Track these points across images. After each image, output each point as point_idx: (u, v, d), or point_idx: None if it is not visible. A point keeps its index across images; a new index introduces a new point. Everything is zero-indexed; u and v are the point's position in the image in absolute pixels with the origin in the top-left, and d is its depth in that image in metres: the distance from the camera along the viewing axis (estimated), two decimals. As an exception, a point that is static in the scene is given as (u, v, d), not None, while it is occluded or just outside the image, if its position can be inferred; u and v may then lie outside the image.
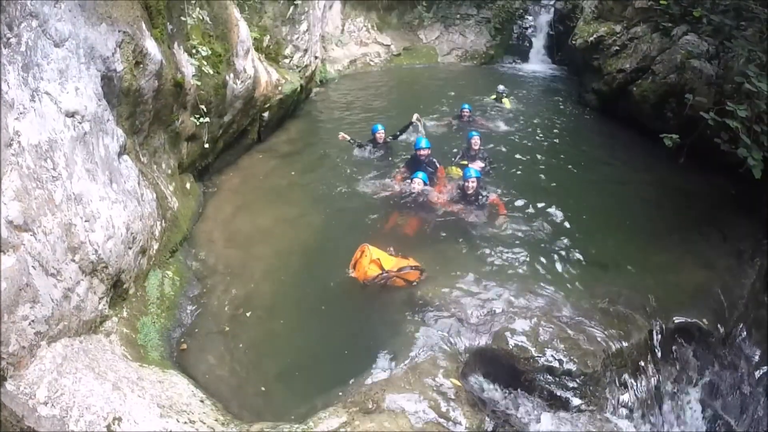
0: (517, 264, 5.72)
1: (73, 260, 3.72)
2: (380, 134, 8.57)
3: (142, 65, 4.95)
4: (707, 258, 5.98)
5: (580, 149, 9.33)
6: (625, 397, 4.45)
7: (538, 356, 4.36)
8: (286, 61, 10.33)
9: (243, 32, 7.33)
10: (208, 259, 5.88)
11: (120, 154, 4.69)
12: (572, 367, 4.31)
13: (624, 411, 4.40)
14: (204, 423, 3.62)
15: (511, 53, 17.80)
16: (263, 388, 4.36)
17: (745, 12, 6.48)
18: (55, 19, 3.79)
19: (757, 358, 5.08)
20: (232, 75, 7.06)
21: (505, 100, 11.69)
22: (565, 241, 6.19)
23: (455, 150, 8.64)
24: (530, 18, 17.75)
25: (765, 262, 5.86)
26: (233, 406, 4.06)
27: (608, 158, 9.01)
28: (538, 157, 8.80)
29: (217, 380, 4.37)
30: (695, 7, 6.89)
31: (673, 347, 4.97)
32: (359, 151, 8.68)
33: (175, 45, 5.83)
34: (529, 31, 17.82)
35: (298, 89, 10.09)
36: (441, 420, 3.80)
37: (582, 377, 4.29)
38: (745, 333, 5.20)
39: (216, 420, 3.72)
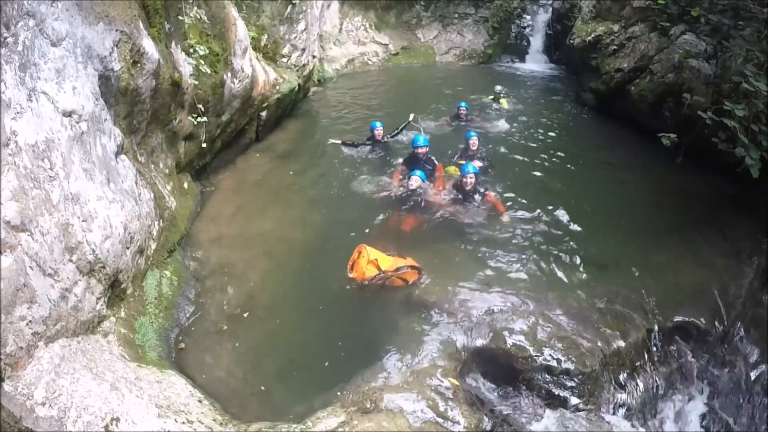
0: (515, 263, 5.72)
1: (71, 260, 3.71)
2: (378, 131, 8.58)
3: (139, 64, 4.93)
4: (705, 257, 5.99)
5: (577, 148, 9.33)
6: (623, 397, 4.46)
7: (536, 355, 4.37)
8: (284, 60, 10.31)
9: (241, 31, 7.32)
10: (206, 258, 5.87)
11: (117, 154, 4.67)
12: (570, 366, 4.32)
13: (622, 410, 4.41)
14: (202, 423, 3.62)
15: (509, 53, 17.80)
16: (263, 387, 4.36)
17: (743, 11, 6.50)
18: (52, 19, 3.78)
19: (755, 356, 5.09)
20: (229, 74, 7.05)
21: (502, 100, 11.69)
22: (563, 240, 6.20)
23: (449, 152, 8.61)
24: (528, 17, 17.74)
25: (763, 261, 5.88)
26: (231, 406, 4.06)
27: (606, 157, 9.01)
28: (536, 156, 8.80)
29: (215, 380, 4.37)
30: (693, 7, 6.90)
31: (671, 346, 4.99)
32: (357, 150, 8.68)
33: (173, 44, 5.82)
34: (527, 30, 17.80)
35: (296, 88, 10.08)
36: (439, 419, 3.80)
37: (580, 376, 4.30)
38: (743, 332, 5.21)
39: (214, 420, 3.72)
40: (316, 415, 3.79)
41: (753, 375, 4.98)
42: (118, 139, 4.66)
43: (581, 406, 4.22)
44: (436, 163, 7.67)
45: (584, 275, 5.57)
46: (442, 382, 4.12)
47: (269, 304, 5.31)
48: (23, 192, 3.30)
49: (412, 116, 9.24)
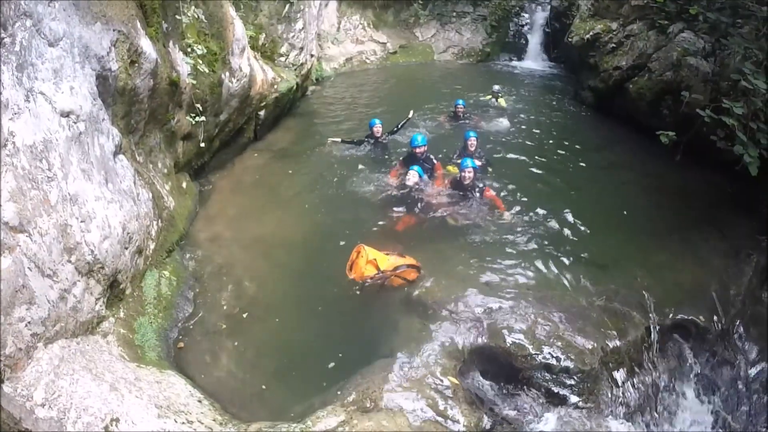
0: (514, 262, 5.71)
1: (69, 261, 3.70)
2: (377, 128, 8.57)
3: (137, 64, 4.92)
4: (704, 255, 5.98)
5: (576, 147, 9.32)
6: (622, 394, 4.46)
7: (535, 354, 4.37)
8: (282, 59, 10.31)
9: (238, 30, 7.31)
10: (205, 258, 5.86)
11: (115, 154, 4.67)
12: (570, 364, 4.32)
13: (621, 408, 4.41)
14: (202, 423, 3.62)
15: (507, 51, 17.80)
16: (263, 387, 4.36)
17: (741, 9, 6.49)
18: (49, 19, 3.77)
19: (754, 354, 5.09)
20: (227, 73, 7.04)
21: (501, 100, 11.68)
22: (562, 238, 6.19)
23: (445, 151, 8.59)
24: (526, 15, 17.75)
25: (762, 259, 5.88)
26: (231, 406, 4.06)
27: (604, 156, 9.00)
28: (535, 155, 8.79)
29: (214, 380, 4.37)
30: (691, 5, 6.90)
31: (670, 344, 4.99)
32: (356, 149, 8.67)
33: (171, 44, 5.81)
34: (526, 28, 17.82)
35: (294, 87, 10.07)
36: (439, 418, 3.80)
37: (579, 374, 4.30)
38: (742, 329, 5.21)
39: (214, 420, 3.72)
40: (316, 415, 3.78)
41: (752, 372, 4.99)
42: (116, 139, 4.65)
43: (581, 404, 4.23)
44: (435, 162, 7.66)
45: (583, 273, 5.56)
46: (442, 380, 4.12)
47: (268, 303, 5.30)
48: (21, 193, 3.29)
49: (411, 113, 9.21)
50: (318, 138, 9.62)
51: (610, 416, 4.30)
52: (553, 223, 6.48)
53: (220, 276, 5.61)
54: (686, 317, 5.08)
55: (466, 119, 10.22)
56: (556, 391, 4.25)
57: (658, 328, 4.91)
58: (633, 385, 4.55)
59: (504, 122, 10.40)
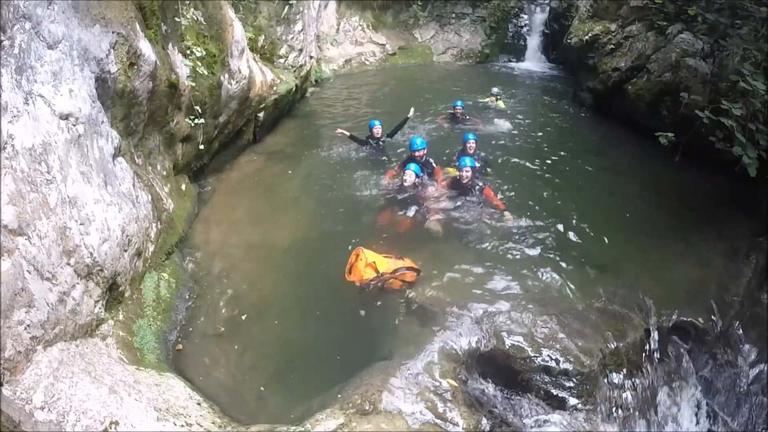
0: (513, 263, 5.71)
1: (69, 264, 3.70)
2: (377, 129, 8.58)
3: (136, 66, 4.92)
4: (703, 256, 5.99)
5: (575, 148, 9.33)
6: (621, 396, 4.46)
7: (534, 356, 4.36)
8: (281, 61, 10.31)
9: (238, 32, 7.31)
10: (204, 260, 5.86)
11: (115, 156, 4.66)
12: (569, 366, 4.31)
13: (620, 410, 4.41)
14: (201, 426, 3.62)
15: (506, 52, 17.85)
16: (263, 389, 4.36)
17: (740, 10, 6.50)
18: (48, 21, 3.76)
19: (753, 355, 5.09)
20: (226, 75, 7.04)
21: (500, 102, 11.68)
22: (562, 239, 6.19)
23: (447, 151, 8.59)
24: (525, 17, 17.79)
25: (761, 260, 5.88)
26: (230, 408, 4.05)
27: (603, 157, 9.01)
28: (534, 156, 8.79)
29: (213, 382, 4.36)
30: (690, 6, 6.90)
31: (670, 346, 4.99)
32: (356, 150, 8.67)
33: (170, 46, 5.81)
34: (525, 29, 17.85)
35: (294, 89, 10.08)
36: (438, 421, 3.80)
37: (578, 377, 4.30)
38: (741, 331, 5.21)
39: (213, 422, 3.72)
40: (315, 417, 3.77)
41: (751, 374, 4.98)
42: (115, 141, 4.65)
43: (580, 406, 4.22)
44: (435, 165, 7.65)
45: (582, 274, 5.56)
46: (441, 383, 4.11)
47: (267, 306, 5.30)
48: (20, 196, 3.29)
49: (412, 111, 9.21)
50: (318, 139, 9.63)
51: (609, 418, 4.30)
52: (553, 225, 6.49)
53: (219, 278, 5.61)
54: (685, 319, 5.08)
55: (465, 121, 10.22)
56: (555, 393, 4.25)
57: (657, 329, 4.92)
58: (632, 387, 4.55)
59: (503, 124, 10.40)
